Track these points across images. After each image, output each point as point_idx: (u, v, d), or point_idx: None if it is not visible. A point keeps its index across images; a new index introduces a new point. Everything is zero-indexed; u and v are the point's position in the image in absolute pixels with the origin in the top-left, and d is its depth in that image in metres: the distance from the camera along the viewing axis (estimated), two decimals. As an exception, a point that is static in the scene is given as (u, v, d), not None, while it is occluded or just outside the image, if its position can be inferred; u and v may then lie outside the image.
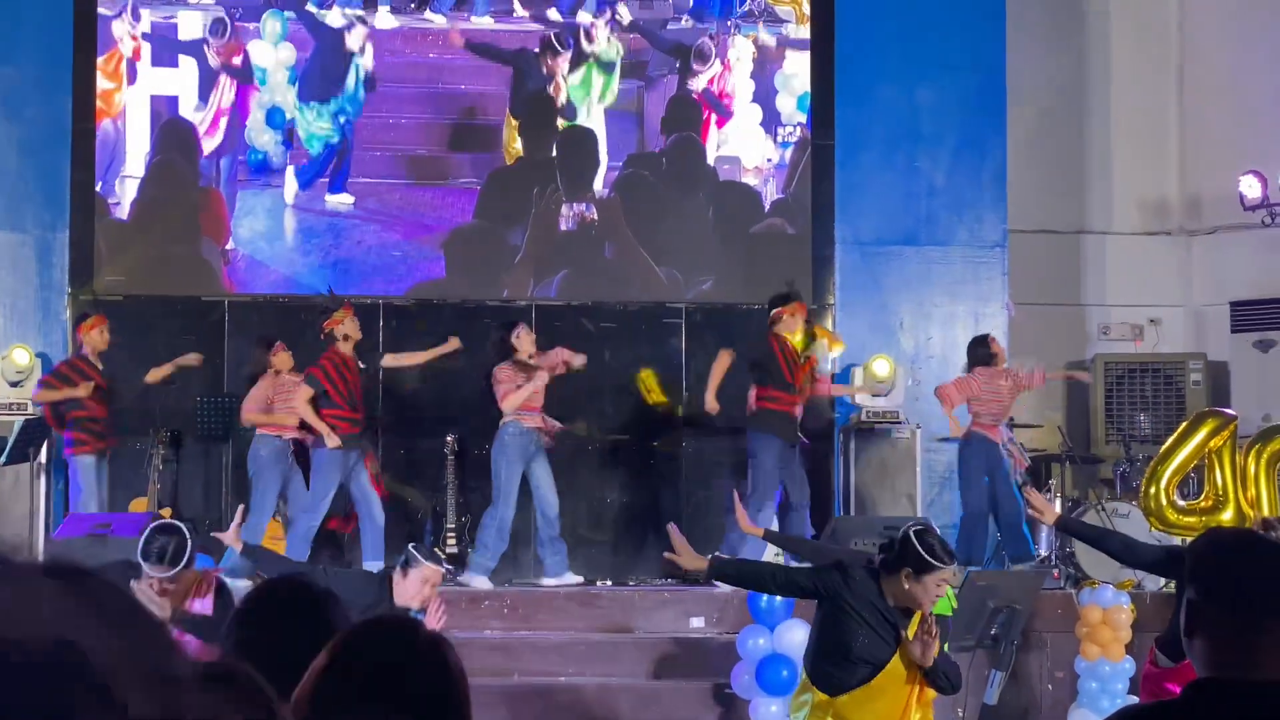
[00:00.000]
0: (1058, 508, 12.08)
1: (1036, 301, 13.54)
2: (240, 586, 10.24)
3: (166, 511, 11.71)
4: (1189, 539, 10.60)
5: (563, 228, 12.93)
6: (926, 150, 12.91)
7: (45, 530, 11.52)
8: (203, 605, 7.06)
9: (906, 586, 6.18)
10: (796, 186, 13.00)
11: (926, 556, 6.16)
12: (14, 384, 11.90)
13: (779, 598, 9.29)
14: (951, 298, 12.88)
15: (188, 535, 7.03)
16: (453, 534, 11.91)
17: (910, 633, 6.25)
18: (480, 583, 11.03)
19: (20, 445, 11.37)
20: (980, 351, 11.53)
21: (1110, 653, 9.68)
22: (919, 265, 12.88)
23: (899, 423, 12.36)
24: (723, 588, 10.61)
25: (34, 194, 12.42)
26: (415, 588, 7.07)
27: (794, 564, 8.07)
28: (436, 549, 11.62)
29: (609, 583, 11.81)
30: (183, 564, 6.89)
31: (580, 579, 11.39)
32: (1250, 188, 13.32)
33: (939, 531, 8.56)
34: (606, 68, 13.00)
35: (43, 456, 11.79)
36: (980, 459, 11.34)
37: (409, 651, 2.45)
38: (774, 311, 11.30)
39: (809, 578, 6.56)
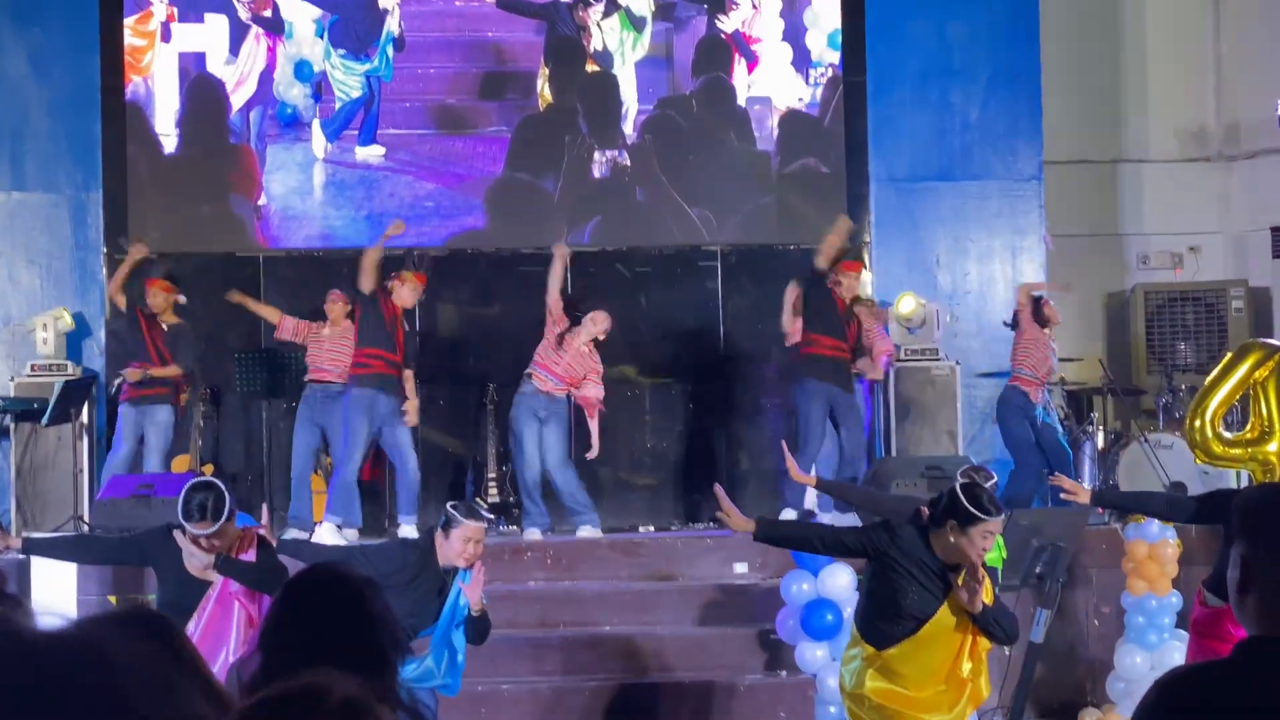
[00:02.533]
0: (1100, 441, 12.05)
1: (1074, 233, 13.39)
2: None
3: (208, 468, 11.73)
4: (1234, 481, 10.52)
5: (595, 174, 12.84)
6: (959, 84, 12.75)
7: (90, 490, 11.56)
8: (245, 559, 7.08)
9: (953, 540, 6.14)
10: (829, 124, 12.87)
11: (972, 509, 6.10)
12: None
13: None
14: (988, 232, 12.75)
15: (225, 491, 7.04)
16: (494, 483, 11.88)
17: (960, 581, 6.19)
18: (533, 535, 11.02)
19: (61, 405, 11.38)
20: (1041, 314, 11.47)
21: (1157, 587, 9.60)
22: (954, 200, 12.75)
23: (938, 360, 12.26)
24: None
25: (65, 155, 12.39)
26: (459, 547, 7.03)
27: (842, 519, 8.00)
28: (478, 499, 11.62)
29: (651, 529, 11.78)
30: (224, 519, 6.91)
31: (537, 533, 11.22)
32: (1289, 111, 13.13)
33: (983, 468, 8.55)
34: (637, 23, 12.86)
35: (85, 416, 11.81)
36: (1019, 411, 11.31)
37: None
38: (842, 265, 11.15)
39: (856, 538, 6.51)
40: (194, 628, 6.83)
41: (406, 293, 11.13)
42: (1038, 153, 12.76)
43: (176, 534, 7.03)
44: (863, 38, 12.71)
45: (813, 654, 9.04)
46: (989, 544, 6.21)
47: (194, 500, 6.97)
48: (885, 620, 6.36)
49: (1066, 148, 13.40)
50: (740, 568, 10.33)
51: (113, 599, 9.55)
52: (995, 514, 6.12)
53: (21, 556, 8.61)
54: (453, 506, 7.18)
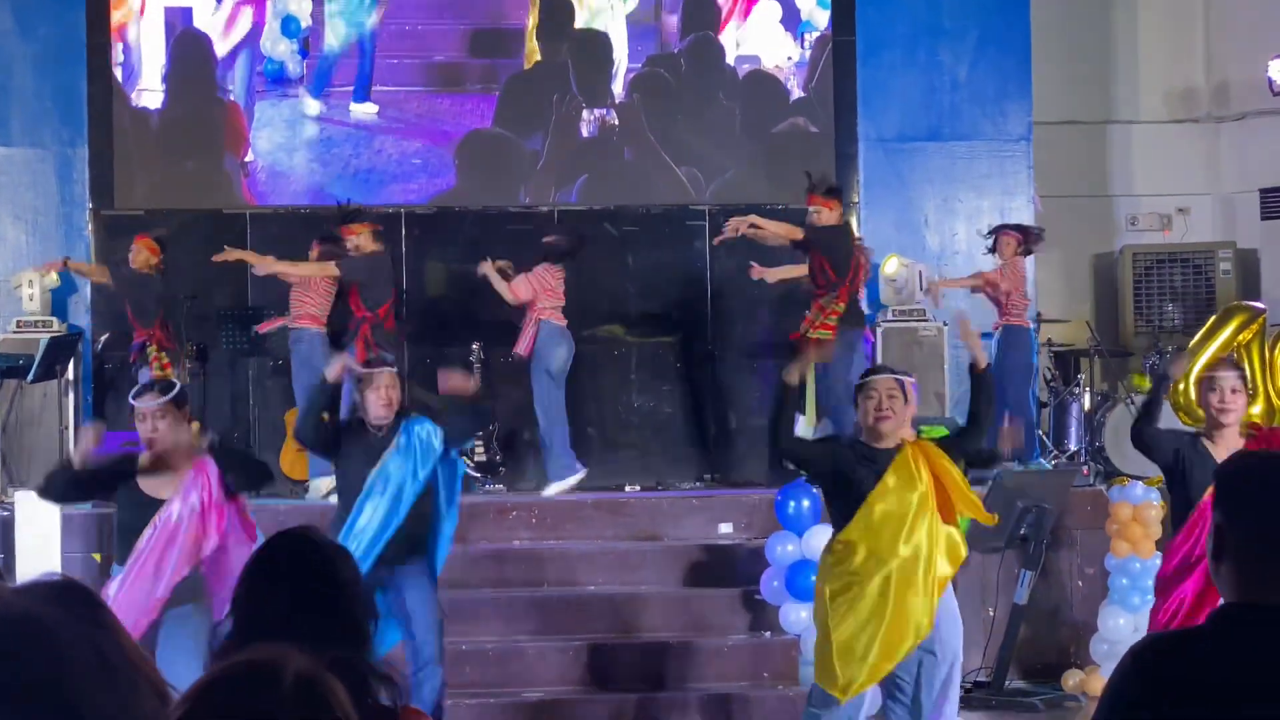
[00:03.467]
0: (1087, 403, 12.06)
1: (1063, 194, 13.36)
2: None
3: (195, 424, 11.68)
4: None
5: (583, 133, 12.78)
6: (948, 44, 12.69)
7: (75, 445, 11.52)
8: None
9: (864, 409, 6.81)
10: (818, 84, 12.82)
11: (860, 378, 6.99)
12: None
13: (805, 504, 9.29)
14: (977, 193, 12.72)
15: (178, 383, 7.10)
16: (480, 441, 11.85)
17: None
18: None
19: (47, 362, 11.33)
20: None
21: (1140, 549, 9.62)
22: (943, 161, 12.70)
23: (925, 320, 12.24)
24: (750, 495, 10.64)
25: (51, 110, 12.32)
26: (373, 398, 7.48)
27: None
28: (465, 458, 11.60)
29: (637, 488, 11.77)
30: (173, 398, 6.86)
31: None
32: (1280, 72, 13.10)
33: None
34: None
35: (70, 373, 11.76)
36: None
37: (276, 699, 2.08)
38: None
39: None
40: (143, 546, 6.76)
41: (364, 239, 11.10)
42: (1027, 113, 12.71)
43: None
44: (853, -1, 12.65)
45: (797, 614, 9.06)
46: (889, 401, 6.76)
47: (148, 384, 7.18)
48: (843, 515, 6.80)
49: (1056, 108, 13.35)
50: (725, 528, 10.34)
51: (96, 556, 9.53)
52: (882, 373, 6.93)
53: (6, 514, 8.59)
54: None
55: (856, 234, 11.45)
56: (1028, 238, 11.62)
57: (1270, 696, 2.65)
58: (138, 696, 1.52)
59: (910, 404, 7.14)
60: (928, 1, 12.65)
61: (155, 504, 6.83)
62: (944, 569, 6.74)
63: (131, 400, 6.98)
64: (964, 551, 6.93)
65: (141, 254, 11.30)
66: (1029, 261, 11.86)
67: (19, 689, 1.51)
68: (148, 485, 6.89)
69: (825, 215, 10.60)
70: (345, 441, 7.63)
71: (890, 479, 6.63)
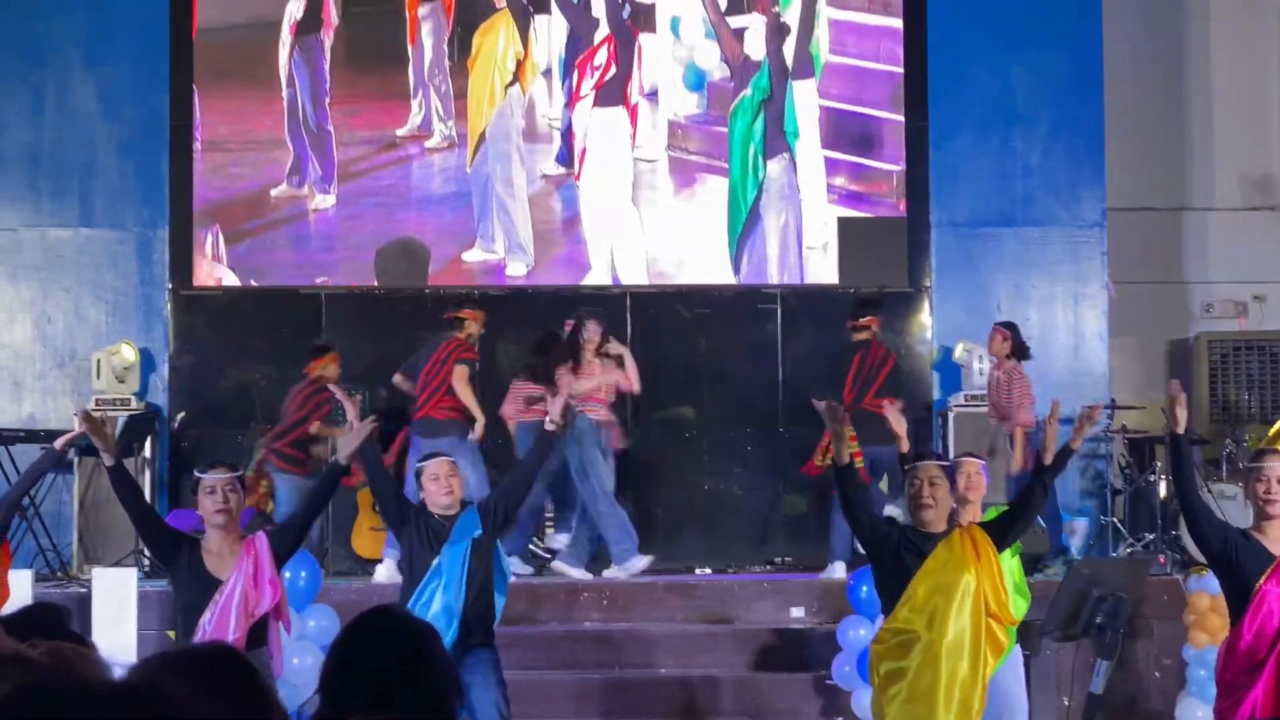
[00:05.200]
0: (1162, 491, 11.90)
1: (1137, 280, 13.26)
2: None
3: (269, 508, 11.73)
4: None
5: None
6: (1022, 130, 12.67)
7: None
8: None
9: (906, 495, 6.72)
10: (891, 169, 12.79)
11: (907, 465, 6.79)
12: (120, 380, 11.95)
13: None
14: (1050, 278, 12.65)
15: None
16: (551, 524, 11.80)
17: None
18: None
19: (124, 440, 11.41)
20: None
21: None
22: (1016, 246, 12.65)
23: (995, 405, 12.13)
24: (823, 576, 10.57)
25: (133, 192, 12.48)
26: (432, 488, 7.49)
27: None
28: (535, 539, 11.56)
29: (708, 571, 11.70)
30: (242, 471, 7.05)
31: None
32: (1355, 161, 12.99)
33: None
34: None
35: (147, 450, 11.85)
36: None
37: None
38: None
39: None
40: (205, 621, 6.80)
41: (473, 328, 11.15)
42: (1101, 199, 12.65)
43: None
44: (925, 84, 12.64)
45: (869, 700, 8.93)
46: (936, 483, 6.62)
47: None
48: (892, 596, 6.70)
49: (1130, 194, 13.28)
50: (797, 612, 10.28)
51: (171, 634, 9.54)
52: (930, 459, 6.72)
53: (84, 590, 8.63)
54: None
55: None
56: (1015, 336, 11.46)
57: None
58: None
59: (979, 486, 7.06)
60: (1000, 87, 12.64)
61: (216, 583, 6.85)
62: (994, 653, 6.64)
63: (199, 474, 6.97)
64: (1005, 640, 6.82)
65: (330, 367, 11.26)
66: (1103, 344, 11.77)
67: None
68: (211, 564, 6.90)
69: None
70: (413, 523, 7.57)
71: (931, 562, 6.53)
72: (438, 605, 7.34)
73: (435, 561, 7.39)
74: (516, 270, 12.63)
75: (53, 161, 12.47)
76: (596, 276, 12.65)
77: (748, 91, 12.73)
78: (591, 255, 12.70)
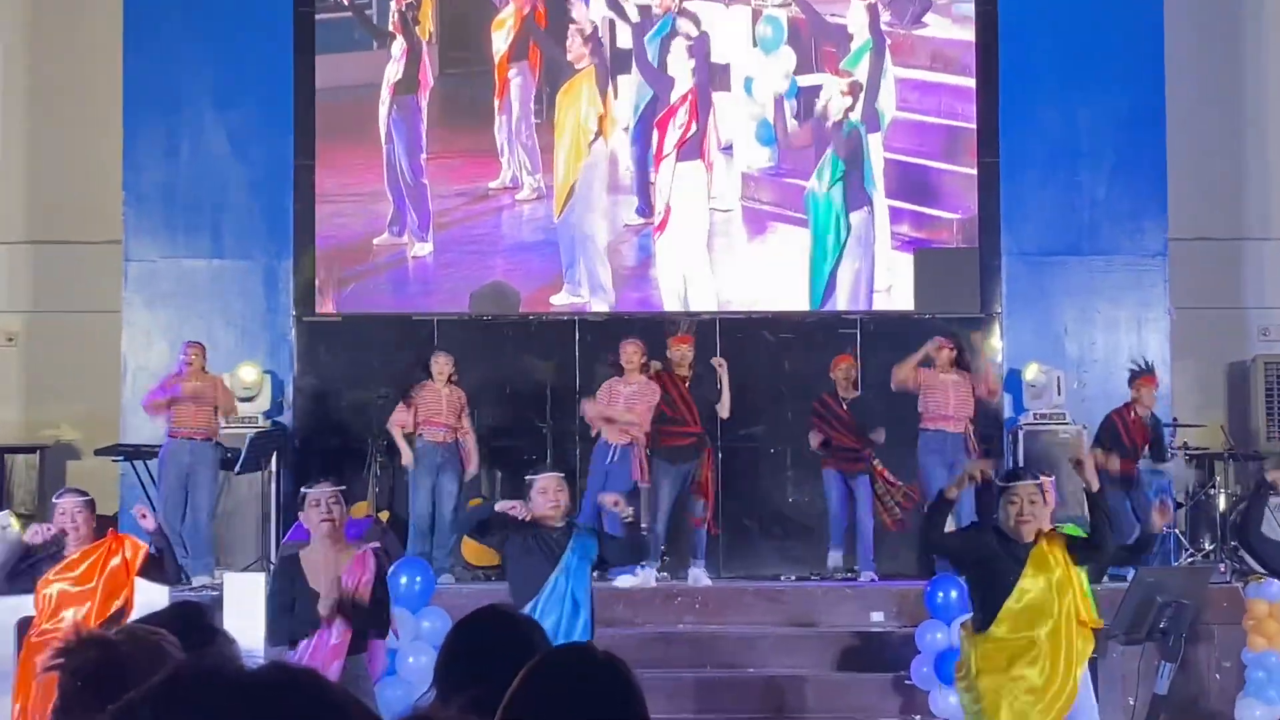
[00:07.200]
0: (1222, 504, 11.90)
1: (1198, 305, 13.26)
2: None
3: (384, 514, 11.95)
4: None
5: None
6: (1087, 165, 12.70)
7: (276, 535, 11.81)
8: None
9: (1006, 511, 6.77)
10: (965, 201, 12.87)
11: (1002, 482, 6.92)
12: (243, 399, 12.19)
13: (953, 595, 9.27)
14: (1114, 304, 12.67)
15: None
16: (647, 530, 11.92)
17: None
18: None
19: (252, 456, 11.67)
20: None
21: (1276, 644, 9.48)
22: (1082, 274, 12.67)
23: (1065, 424, 12.18)
24: (901, 586, 10.65)
25: (259, 226, 12.75)
26: (540, 501, 7.44)
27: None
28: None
29: (793, 577, 11.81)
30: (342, 487, 7.28)
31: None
32: None
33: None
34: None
35: (273, 465, 12.09)
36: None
37: (590, 675, 2.52)
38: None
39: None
40: (305, 645, 6.93)
41: (678, 353, 11.38)
42: (1163, 230, 12.67)
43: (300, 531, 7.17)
44: (996, 122, 12.72)
45: (945, 700, 9.02)
46: (1035, 505, 6.77)
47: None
48: (987, 611, 6.80)
49: (1190, 224, 13.28)
50: (877, 616, 10.36)
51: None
52: (1025, 478, 6.87)
53: (217, 594, 8.88)
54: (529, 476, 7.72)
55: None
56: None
57: None
58: None
59: (1049, 503, 7.17)
60: (1065, 125, 12.69)
61: (315, 595, 6.94)
62: (1082, 646, 6.78)
63: (305, 489, 7.13)
64: (1089, 643, 6.93)
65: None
66: (1165, 367, 11.80)
67: None
68: (313, 575, 7.01)
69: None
70: (519, 538, 7.52)
71: (1030, 569, 6.72)
72: (549, 622, 7.28)
73: (553, 574, 7.41)
74: (600, 310, 12.79)
75: (186, 198, 12.76)
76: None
77: (828, 153, 12.83)
78: (664, 298, 12.82)
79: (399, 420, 11.54)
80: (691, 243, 12.87)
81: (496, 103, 12.99)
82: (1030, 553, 6.78)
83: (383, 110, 12.96)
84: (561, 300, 12.85)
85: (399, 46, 13.02)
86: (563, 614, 7.31)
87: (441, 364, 11.58)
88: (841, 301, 12.82)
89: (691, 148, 12.93)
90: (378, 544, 7.60)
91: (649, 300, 12.89)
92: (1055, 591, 6.73)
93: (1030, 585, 6.74)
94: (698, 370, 11.49)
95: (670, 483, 11.16)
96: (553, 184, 12.92)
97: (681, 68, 12.98)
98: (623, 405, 11.18)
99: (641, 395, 11.18)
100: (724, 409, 11.48)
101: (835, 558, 11.60)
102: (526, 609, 7.19)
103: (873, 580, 11.17)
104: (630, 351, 11.31)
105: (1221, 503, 12.05)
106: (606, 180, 12.95)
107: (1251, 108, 14.02)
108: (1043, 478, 7.24)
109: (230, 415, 11.69)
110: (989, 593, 6.83)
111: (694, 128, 12.91)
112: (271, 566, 11.24)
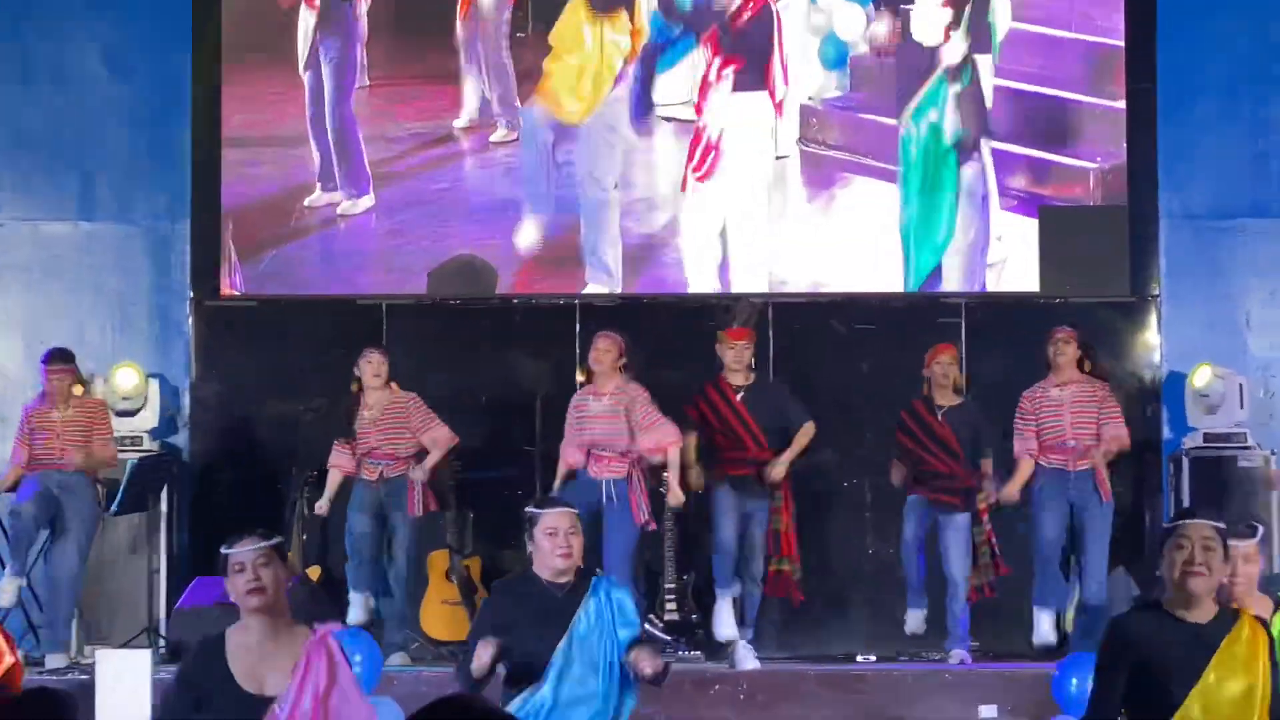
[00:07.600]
0: None
1: None
2: None
3: (315, 572, 11.87)
4: None
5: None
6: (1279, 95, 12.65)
7: (166, 596, 11.70)
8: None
9: (1171, 558, 6.34)
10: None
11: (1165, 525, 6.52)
12: (122, 413, 12.06)
13: (1089, 684, 9.15)
14: (1317, 285, 12.66)
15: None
16: (672, 596, 11.89)
17: None
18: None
19: (134, 491, 11.56)
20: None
21: None
22: (1270, 244, 12.67)
23: (1247, 447, 12.09)
24: (1019, 670, 10.59)
25: (144, 177, 12.72)
26: (548, 545, 7.30)
27: None
28: (652, 616, 11.64)
29: (873, 658, 11.72)
30: (275, 545, 6.65)
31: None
32: None
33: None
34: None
35: (164, 504, 11.98)
36: None
37: None
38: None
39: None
40: None
41: (731, 353, 11.34)
42: (1386, 181, 12.66)
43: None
44: (1154, 36, 12.67)
45: (1085, 826, 8.92)
46: (1204, 560, 6.33)
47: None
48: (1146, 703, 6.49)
49: None
50: (988, 711, 10.29)
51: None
52: (1192, 517, 6.37)
53: (85, 677, 8.75)
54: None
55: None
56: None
57: None
58: None
59: (1253, 561, 7.02)
60: (1252, 40, 12.73)
61: (253, 702, 6.50)
62: None
63: (225, 550, 6.64)
64: None
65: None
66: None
67: None
68: (245, 672, 6.59)
69: None
70: (513, 602, 7.43)
71: (1216, 666, 6.49)
72: (576, 695, 7.18)
73: (563, 642, 7.22)
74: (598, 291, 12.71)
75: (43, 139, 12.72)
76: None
77: (931, 83, 12.77)
78: (690, 273, 12.83)
79: (339, 463, 11.35)
80: (739, 203, 12.81)
81: (459, 9, 12.93)
82: (1210, 635, 6.55)
83: (307, 22, 12.89)
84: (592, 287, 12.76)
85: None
86: (603, 693, 7.17)
87: (376, 364, 11.38)
88: (947, 281, 12.72)
89: (752, 73, 12.77)
90: (338, 624, 7.23)
91: (666, 279, 12.83)
92: (1245, 698, 6.53)
93: (1211, 692, 6.53)
94: (759, 376, 11.39)
95: (733, 521, 11.13)
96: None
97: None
98: (600, 433, 11.05)
99: (618, 413, 11.12)
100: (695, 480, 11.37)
101: (916, 619, 11.50)
102: (515, 704, 7.06)
103: (963, 663, 11.08)
104: (603, 348, 11.18)
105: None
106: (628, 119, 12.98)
107: None
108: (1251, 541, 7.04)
109: (106, 468, 11.41)
110: (1146, 695, 6.64)
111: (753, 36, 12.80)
112: (161, 642, 11.16)
